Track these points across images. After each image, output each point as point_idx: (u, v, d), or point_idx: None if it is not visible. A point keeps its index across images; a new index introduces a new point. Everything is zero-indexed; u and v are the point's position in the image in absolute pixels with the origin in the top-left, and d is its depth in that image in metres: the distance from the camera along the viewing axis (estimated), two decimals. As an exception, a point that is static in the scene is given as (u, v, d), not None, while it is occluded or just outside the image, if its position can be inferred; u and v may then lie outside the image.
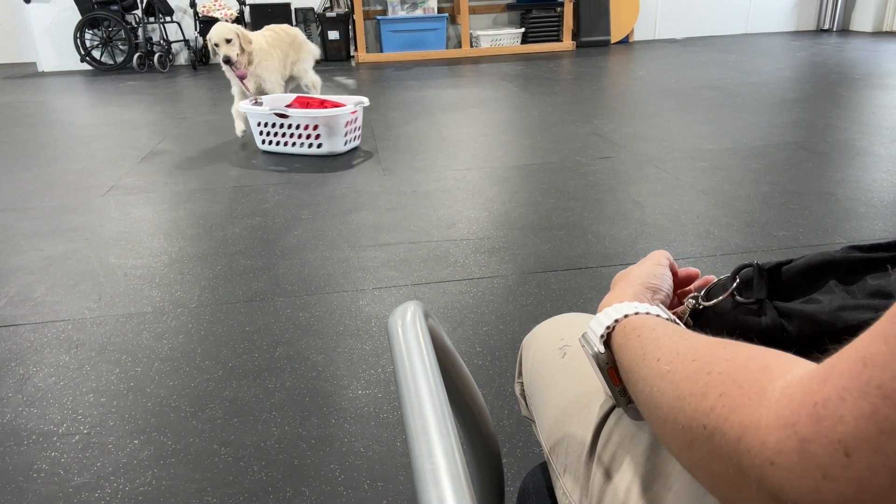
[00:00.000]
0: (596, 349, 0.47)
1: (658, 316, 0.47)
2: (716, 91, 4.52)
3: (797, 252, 1.99)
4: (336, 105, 3.27)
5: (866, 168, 2.75)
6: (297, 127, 3.22)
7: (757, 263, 0.49)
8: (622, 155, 3.08)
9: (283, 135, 3.28)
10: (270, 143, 3.34)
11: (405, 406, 0.38)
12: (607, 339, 0.47)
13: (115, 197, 2.79)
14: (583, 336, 0.50)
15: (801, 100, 4.13)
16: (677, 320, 0.48)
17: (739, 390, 0.30)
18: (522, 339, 0.71)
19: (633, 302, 0.49)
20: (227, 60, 3.34)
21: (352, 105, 3.23)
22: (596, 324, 0.48)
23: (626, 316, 0.47)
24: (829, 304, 0.42)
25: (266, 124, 3.28)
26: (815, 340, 0.42)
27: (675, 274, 0.57)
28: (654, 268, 0.55)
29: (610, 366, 0.46)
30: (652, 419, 0.39)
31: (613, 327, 0.47)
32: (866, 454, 0.23)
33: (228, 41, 3.34)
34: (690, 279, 0.58)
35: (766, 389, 0.29)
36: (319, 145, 3.24)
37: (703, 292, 0.52)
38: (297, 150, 3.29)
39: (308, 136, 3.23)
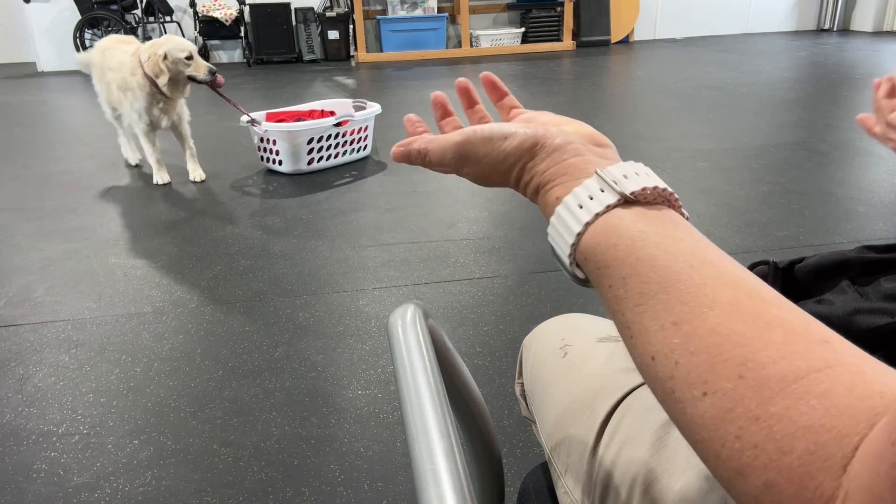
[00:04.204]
0: (574, 234, 0.33)
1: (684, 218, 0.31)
2: (716, 91, 4.52)
3: (797, 252, 1.99)
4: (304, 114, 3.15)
5: (866, 168, 2.75)
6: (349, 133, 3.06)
7: (773, 261, 0.49)
8: (622, 155, 3.05)
9: (337, 145, 3.05)
10: (322, 158, 3.01)
11: (405, 406, 0.38)
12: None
13: (115, 197, 2.79)
14: (561, 207, 0.34)
15: (801, 100, 4.13)
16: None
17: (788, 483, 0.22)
18: (522, 340, 0.71)
19: (647, 168, 0.33)
20: (214, 73, 2.75)
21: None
22: (583, 191, 0.33)
23: (642, 189, 0.31)
24: (843, 306, 0.41)
25: (320, 139, 2.96)
26: None
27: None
28: (585, 127, 0.40)
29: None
30: (665, 400, 0.28)
31: (610, 209, 0.32)
32: None
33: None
34: None
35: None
36: (364, 147, 3.20)
37: None
38: (347, 158, 3.13)
39: (357, 141, 3.13)
